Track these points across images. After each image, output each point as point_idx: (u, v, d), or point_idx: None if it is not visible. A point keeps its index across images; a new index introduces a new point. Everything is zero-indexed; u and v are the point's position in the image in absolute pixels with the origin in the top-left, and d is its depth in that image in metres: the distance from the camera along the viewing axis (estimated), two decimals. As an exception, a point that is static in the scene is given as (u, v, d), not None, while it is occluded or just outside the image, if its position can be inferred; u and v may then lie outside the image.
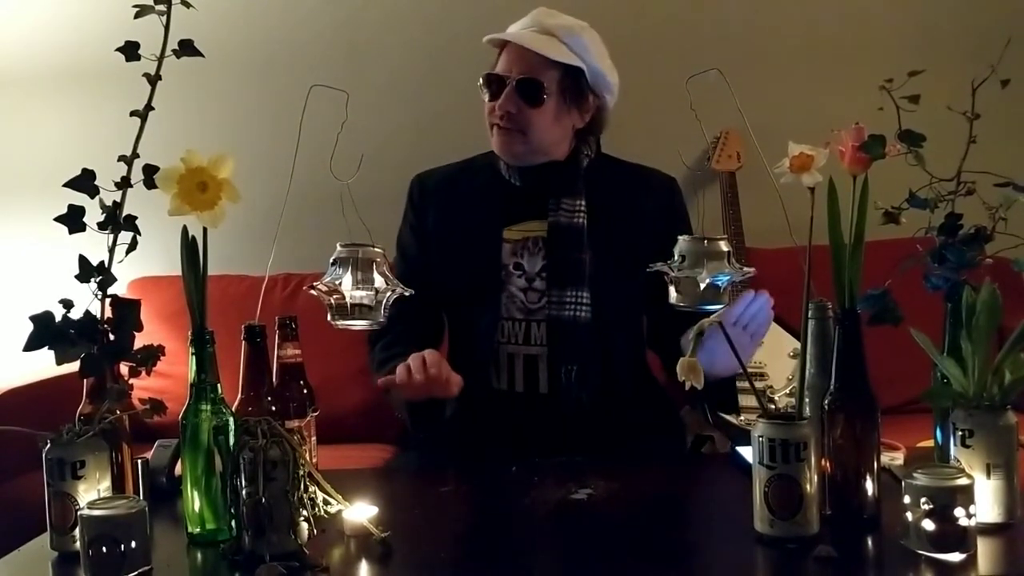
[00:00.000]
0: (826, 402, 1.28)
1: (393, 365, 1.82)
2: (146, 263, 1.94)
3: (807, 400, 1.31)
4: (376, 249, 1.37)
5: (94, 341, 1.28)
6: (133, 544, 1.16)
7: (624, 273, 1.90)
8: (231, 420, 1.30)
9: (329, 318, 1.37)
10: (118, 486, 1.31)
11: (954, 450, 1.27)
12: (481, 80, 1.92)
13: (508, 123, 1.90)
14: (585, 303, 1.89)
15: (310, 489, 1.24)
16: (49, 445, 1.26)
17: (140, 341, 1.32)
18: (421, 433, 1.91)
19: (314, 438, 1.54)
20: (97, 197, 1.29)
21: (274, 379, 1.47)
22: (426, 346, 1.86)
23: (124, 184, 1.29)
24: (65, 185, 1.27)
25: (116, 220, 1.29)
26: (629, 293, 1.91)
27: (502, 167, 1.98)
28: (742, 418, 2.38)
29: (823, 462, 1.28)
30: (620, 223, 1.94)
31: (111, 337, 1.30)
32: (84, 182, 1.28)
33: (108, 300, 1.30)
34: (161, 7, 1.29)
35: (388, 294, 1.36)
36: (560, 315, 1.88)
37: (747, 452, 1.33)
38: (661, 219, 1.95)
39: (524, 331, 1.91)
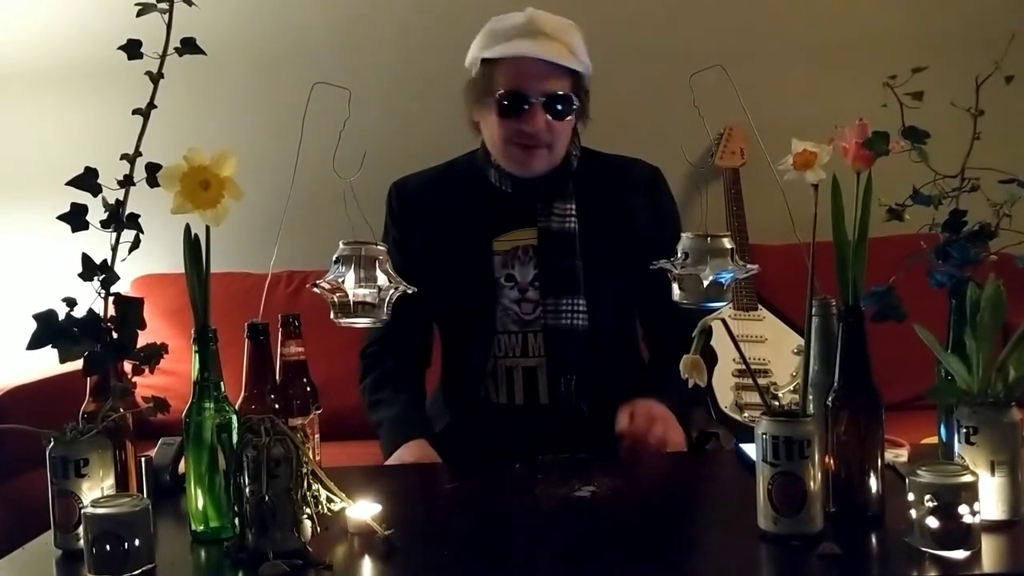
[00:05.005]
0: (830, 399, 1.28)
1: (382, 414, 1.87)
2: (149, 260, 1.95)
3: (811, 397, 1.30)
4: (379, 247, 1.37)
5: (97, 339, 1.28)
6: (137, 542, 1.16)
7: (616, 275, 1.88)
8: (234, 418, 1.30)
9: (332, 316, 1.37)
10: (122, 484, 1.31)
11: (958, 447, 1.27)
12: (496, 98, 1.82)
13: (533, 140, 1.83)
14: (581, 311, 1.86)
15: (313, 487, 1.24)
16: (53, 443, 1.26)
17: (143, 339, 1.32)
18: None
19: (317, 436, 1.54)
20: (100, 195, 1.29)
21: (277, 377, 1.47)
22: (418, 371, 1.92)
23: (127, 182, 1.29)
24: (68, 183, 1.27)
25: (119, 218, 1.29)
26: (622, 296, 1.89)
27: (492, 174, 1.92)
28: (746, 415, 2.38)
29: (827, 459, 1.27)
30: (609, 224, 1.90)
31: (114, 335, 1.29)
32: (87, 180, 1.28)
33: (111, 298, 1.30)
34: (163, 5, 1.28)
35: (391, 292, 1.36)
36: (557, 324, 1.86)
37: (751, 449, 1.33)
38: (648, 215, 1.92)
39: (521, 343, 1.88)
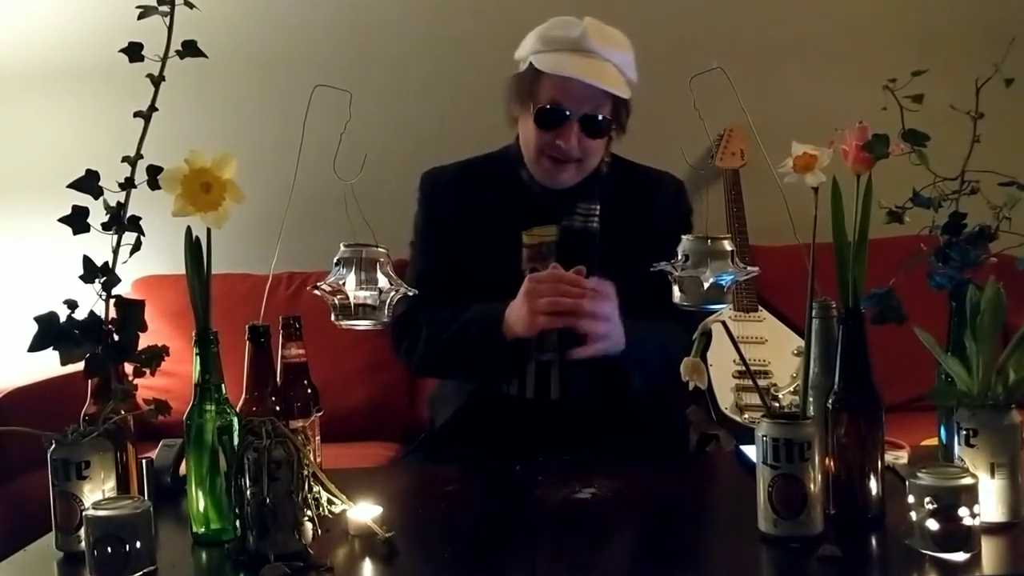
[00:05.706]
0: (830, 401, 1.28)
1: (465, 316, 1.82)
2: (150, 261, 1.94)
3: (811, 399, 1.30)
4: (380, 249, 1.37)
5: (98, 341, 1.28)
6: (138, 544, 1.16)
7: (629, 277, 1.88)
8: (235, 420, 1.30)
9: (333, 318, 1.37)
10: (123, 486, 1.31)
11: (958, 449, 1.27)
12: (536, 111, 1.85)
13: (564, 155, 1.87)
14: None
15: (314, 489, 1.24)
16: (54, 445, 1.26)
17: (145, 340, 1.32)
18: (502, 373, 1.89)
19: (318, 438, 1.54)
20: (101, 198, 1.29)
21: (278, 379, 1.47)
22: None
23: (128, 185, 1.29)
24: (69, 186, 1.27)
25: (120, 221, 1.29)
26: (634, 298, 1.90)
27: (523, 173, 1.96)
28: (747, 416, 2.38)
29: (827, 461, 1.27)
30: (629, 229, 1.93)
31: (115, 337, 1.30)
32: (88, 183, 1.28)
33: (112, 300, 1.30)
34: (164, 8, 1.28)
35: (392, 294, 1.36)
36: None
37: (751, 451, 1.33)
38: (666, 226, 1.92)
39: (537, 337, 1.87)
